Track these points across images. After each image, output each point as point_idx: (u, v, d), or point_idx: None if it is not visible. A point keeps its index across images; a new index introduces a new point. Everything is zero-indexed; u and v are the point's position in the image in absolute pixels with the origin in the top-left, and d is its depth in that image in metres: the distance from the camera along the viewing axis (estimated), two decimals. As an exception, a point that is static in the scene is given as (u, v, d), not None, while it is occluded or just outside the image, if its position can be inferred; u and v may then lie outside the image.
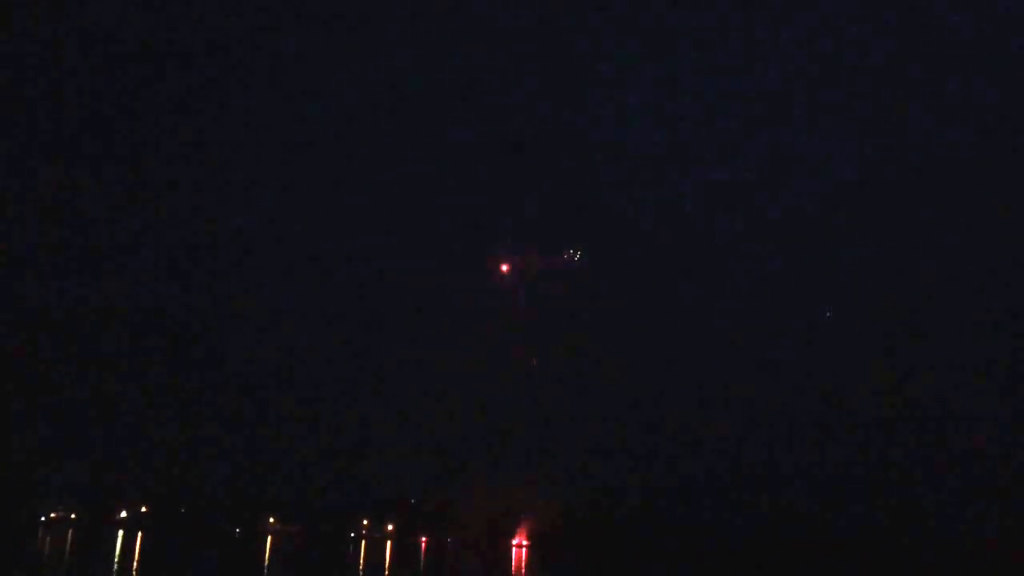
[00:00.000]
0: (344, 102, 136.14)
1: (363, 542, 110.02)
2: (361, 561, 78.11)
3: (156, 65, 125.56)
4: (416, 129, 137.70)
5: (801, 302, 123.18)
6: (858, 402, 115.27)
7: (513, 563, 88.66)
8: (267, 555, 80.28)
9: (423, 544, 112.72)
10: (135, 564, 59.81)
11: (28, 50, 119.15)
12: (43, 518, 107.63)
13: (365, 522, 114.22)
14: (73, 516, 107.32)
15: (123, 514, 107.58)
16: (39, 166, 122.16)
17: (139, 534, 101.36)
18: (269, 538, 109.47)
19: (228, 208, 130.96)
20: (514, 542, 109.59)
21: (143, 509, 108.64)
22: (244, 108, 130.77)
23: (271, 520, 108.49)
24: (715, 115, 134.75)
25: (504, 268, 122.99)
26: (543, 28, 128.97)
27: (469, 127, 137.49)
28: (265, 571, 61.07)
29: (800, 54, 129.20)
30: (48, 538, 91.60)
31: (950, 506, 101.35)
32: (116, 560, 62.15)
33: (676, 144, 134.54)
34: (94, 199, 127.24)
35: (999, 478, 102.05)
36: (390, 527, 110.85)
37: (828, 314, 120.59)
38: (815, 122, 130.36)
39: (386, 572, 67.63)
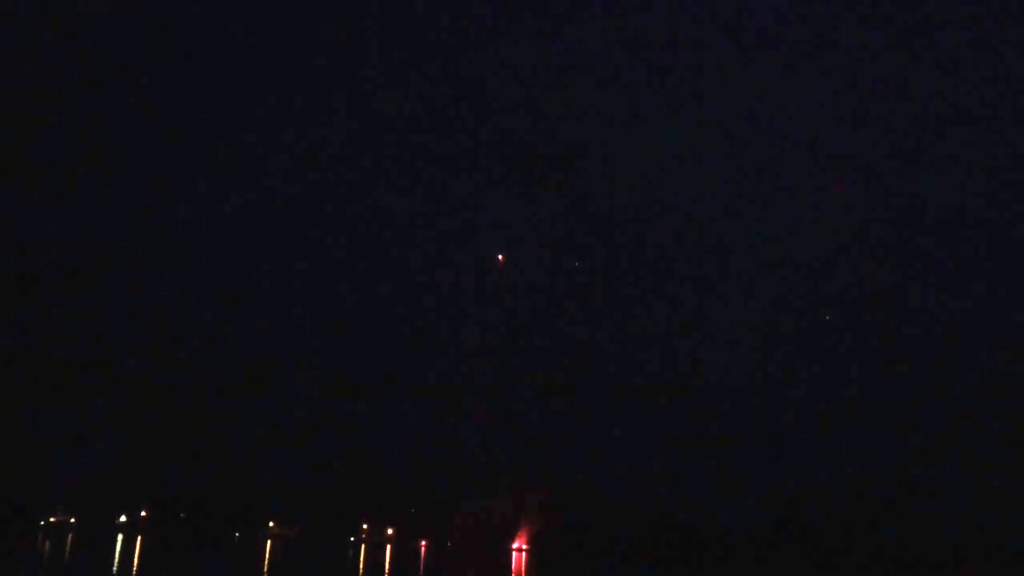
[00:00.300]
0: (347, 105, 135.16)
1: (363, 546, 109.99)
2: (361, 565, 78.10)
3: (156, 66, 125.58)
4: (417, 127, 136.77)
5: (801, 305, 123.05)
6: (860, 405, 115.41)
7: (513, 567, 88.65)
8: (267, 559, 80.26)
9: (423, 548, 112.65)
10: (134, 568, 59.78)
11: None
12: (43, 522, 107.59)
13: (365, 526, 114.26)
14: (72, 520, 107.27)
15: (122, 518, 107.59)
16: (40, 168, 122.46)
17: (138, 538, 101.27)
18: (269, 542, 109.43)
19: (225, 209, 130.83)
20: (514, 546, 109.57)
21: (142, 513, 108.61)
22: (246, 107, 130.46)
23: (271, 524, 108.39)
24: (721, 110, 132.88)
25: (501, 263, 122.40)
26: (542, 28, 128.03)
27: (473, 126, 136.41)
28: (265, 575, 61.07)
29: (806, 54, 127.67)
30: (48, 542, 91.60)
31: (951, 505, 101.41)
32: (115, 564, 62.13)
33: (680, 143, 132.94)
34: (95, 205, 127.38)
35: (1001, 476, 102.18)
36: (390, 531, 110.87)
37: (828, 317, 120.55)
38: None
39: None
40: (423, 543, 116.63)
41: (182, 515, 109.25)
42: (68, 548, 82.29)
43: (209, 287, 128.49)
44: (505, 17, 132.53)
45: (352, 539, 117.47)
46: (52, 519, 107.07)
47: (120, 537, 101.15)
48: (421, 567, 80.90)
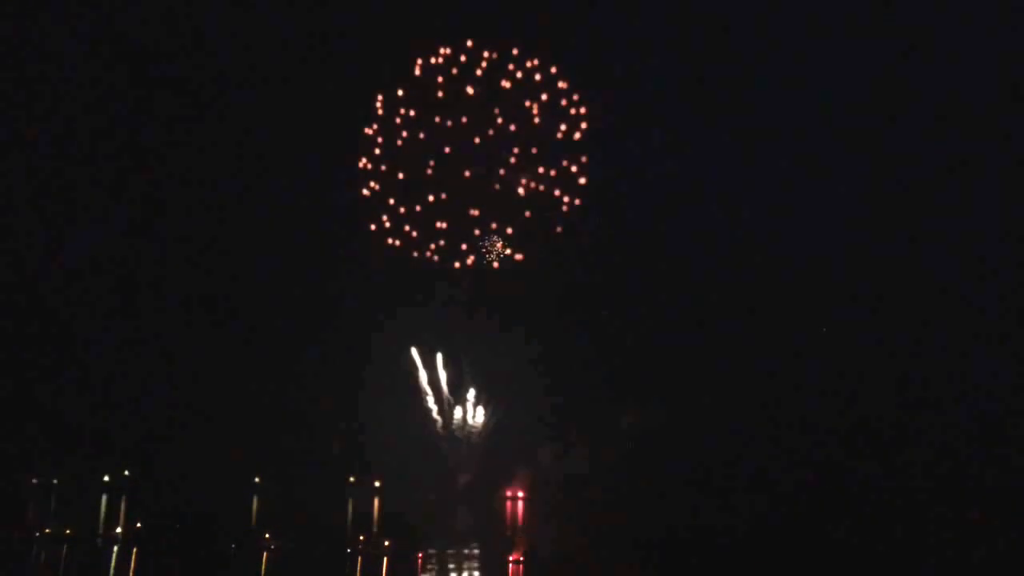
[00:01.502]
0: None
1: (359, 558, 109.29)
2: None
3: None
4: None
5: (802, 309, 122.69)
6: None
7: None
8: (263, 571, 79.95)
9: (419, 560, 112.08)
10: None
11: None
12: (37, 533, 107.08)
13: (361, 537, 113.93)
14: (68, 532, 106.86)
15: (118, 530, 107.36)
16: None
17: (134, 550, 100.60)
18: (264, 554, 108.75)
19: (224, 209, 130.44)
20: (510, 558, 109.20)
21: (138, 525, 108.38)
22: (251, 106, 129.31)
23: (266, 536, 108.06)
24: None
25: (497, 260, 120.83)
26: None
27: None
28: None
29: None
30: (43, 554, 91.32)
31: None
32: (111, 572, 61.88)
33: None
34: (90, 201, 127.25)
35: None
36: (387, 543, 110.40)
37: (824, 329, 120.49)
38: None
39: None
40: (419, 555, 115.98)
41: (177, 526, 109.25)
42: (63, 560, 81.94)
43: (202, 297, 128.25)
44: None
45: (348, 551, 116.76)
46: (47, 530, 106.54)
47: (115, 549, 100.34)
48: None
